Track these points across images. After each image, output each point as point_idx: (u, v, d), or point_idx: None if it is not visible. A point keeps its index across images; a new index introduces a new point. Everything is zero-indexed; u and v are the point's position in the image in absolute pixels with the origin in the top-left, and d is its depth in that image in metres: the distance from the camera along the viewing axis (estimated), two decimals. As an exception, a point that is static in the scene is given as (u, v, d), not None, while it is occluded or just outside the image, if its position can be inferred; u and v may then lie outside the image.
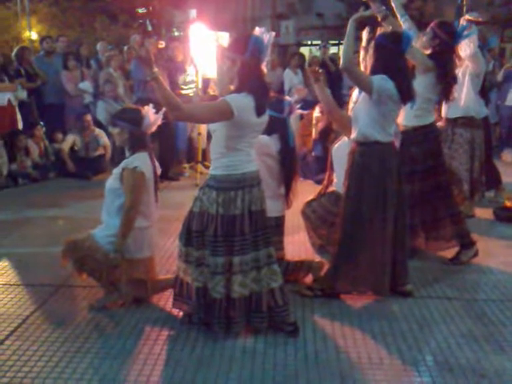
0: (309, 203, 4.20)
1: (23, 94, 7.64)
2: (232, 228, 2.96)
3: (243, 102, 2.87)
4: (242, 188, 2.96)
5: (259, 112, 2.93)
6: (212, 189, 2.98)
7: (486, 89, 6.22)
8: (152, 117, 3.43)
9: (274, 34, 2.97)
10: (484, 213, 5.38)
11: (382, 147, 3.44)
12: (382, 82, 3.30)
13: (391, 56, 3.36)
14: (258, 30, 2.95)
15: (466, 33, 4.22)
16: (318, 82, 3.64)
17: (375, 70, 3.39)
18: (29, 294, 3.68)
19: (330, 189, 4.18)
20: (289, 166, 3.56)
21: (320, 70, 3.66)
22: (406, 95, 3.38)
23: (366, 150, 3.45)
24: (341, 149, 3.85)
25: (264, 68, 2.99)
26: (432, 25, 4.16)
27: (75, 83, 8.00)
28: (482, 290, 3.73)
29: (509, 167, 7.26)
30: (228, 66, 2.99)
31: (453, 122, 5.10)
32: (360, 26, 3.51)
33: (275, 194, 3.57)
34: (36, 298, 3.60)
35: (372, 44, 3.52)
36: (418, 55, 3.96)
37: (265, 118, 3.04)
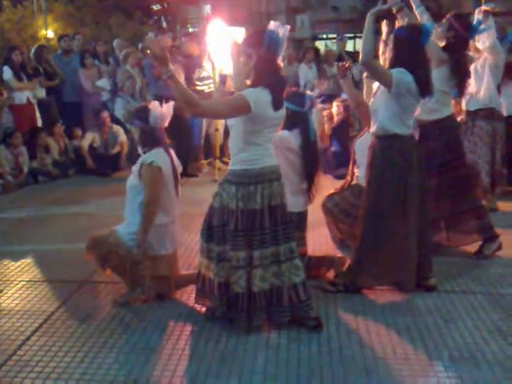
0: (330, 197, 4.18)
1: (42, 93, 7.73)
2: (252, 222, 2.96)
3: (260, 96, 2.87)
4: (261, 182, 2.96)
5: (276, 106, 2.93)
6: (231, 184, 2.99)
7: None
8: (159, 111, 3.42)
9: (289, 27, 2.96)
10: (507, 206, 5.32)
11: (402, 140, 3.42)
12: (401, 75, 3.28)
13: (411, 49, 3.34)
14: (272, 24, 2.94)
15: (482, 27, 4.18)
16: (346, 78, 3.63)
17: (395, 63, 3.36)
18: (53, 291, 3.72)
19: (353, 182, 4.15)
20: (310, 161, 3.55)
21: (347, 65, 3.64)
22: (424, 88, 3.35)
23: (385, 144, 3.44)
24: (364, 142, 3.83)
25: (280, 62, 2.98)
26: (448, 16, 4.13)
27: (92, 81, 8.06)
28: (508, 284, 3.69)
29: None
30: (244, 61, 2.99)
31: (473, 114, 5.06)
32: (378, 20, 3.48)
33: (298, 189, 3.57)
34: (60, 294, 3.63)
35: (391, 37, 3.50)
36: (432, 47, 3.91)
37: (282, 112, 3.03)
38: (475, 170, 4.94)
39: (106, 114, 7.62)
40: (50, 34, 19.85)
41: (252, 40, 2.99)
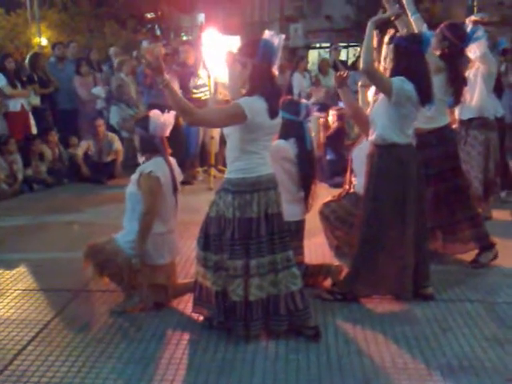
0: (327, 204, 4.17)
1: (36, 100, 7.71)
2: (248, 231, 2.96)
3: (256, 105, 2.88)
4: (257, 191, 2.97)
5: (272, 114, 2.94)
6: (228, 192, 2.99)
7: (501, 89, 6.21)
8: (159, 120, 3.42)
9: (283, 36, 2.98)
10: (500, 214, 5.35)
11: (401, 149, 3.43)
12: (402, 83, 3.30)
13: (412, 58, 3.37)
14: (267, 33, 2.96)
15: (475, 36, 4.22)
16: (343, 87, 3.65)
17: (396, 72, 3.38)
18: (49, 300, 3.69)
19: (351, 190, 4.15)
20: (307, 170, 3.55)
21: (345, 74, 3.66)
22: (425, 97, 3.38)
23: (384, 153, 3.45)
24: (362, 151, 3.84)
25: (275, 71, 3.00)
26: (441, 26, 4.16)
27: (88, 88, 8.05)
28: (504, 293, 3.70)
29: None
30: (239, 70, 3.00)
31: (467, 123, 5.08)
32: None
33: (295, 198, 3.57)
34: (56, 304, 3.61)
35: (390, 47, 3.52)
36: (429, 56, 3.93)
37: (278, 121, 3.05)
38: (468, 180, 4.96)
39: (100, 122, 7.62)
40: (44, 41, 19.80)
41: (247, 49, 3.01)
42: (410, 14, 4.22)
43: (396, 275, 3.47)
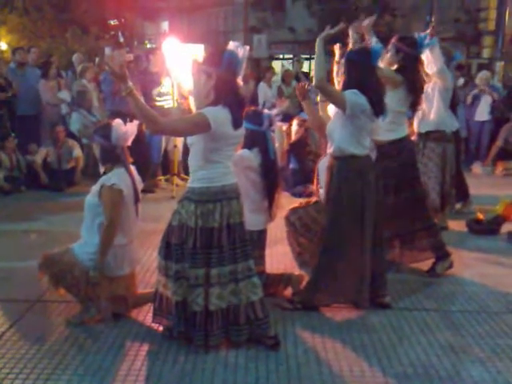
0: (294, 210, 4.19)
1: (-7, 106, 7.51)
2: (210, 240, 2.97)
3: (219, 115, 2.90)
4: (220, 201, 2.98)
5: (236, 124, 2.96)
6: (191, 202, 2.99)
7: (456, 104, 6.39)
8: (122, 129, 3.38)
9: (248, 48, 3.02)
10: (456, 225, 5.48)
11: (359, 160, 3.50)
12: (355, 96, 3.37)
13: (362, 70, 3.44)
14: (232, 44, 2.99)
15: (426, 41, 4.32)
16: (306, 99, 3.69)
17: (347, 86, 3.45)
18: (3, 310, 3.59)
19: (317, 199, 4.19)
20: (271, 179, 3.58)
21: (306, 85, 3.70)
22: (378, 108, 3.46)
23: (342, 164, 3.51)
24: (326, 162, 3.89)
25: (240, 81, 3.03)
26: (392, 41, 4.25)
27: (53, 92, 7.91)
28: (459, 302, 3.80)
29: (478, 180, 7.43)
30: (204, 80, 3.01)
31: (425, 136, 5.20)
32: (331, 42, 3.57)
33: (259, 207, 3.58)
34: (11, 314, 3.51)
35: (342, 60, 3.60)
36: (386, 72, 4.02)
37: (242, 131, 3.07)
38: (426, 191, 5.08)
39: (60, 128, 7.48)
40: (4, 46, 19.36)
41: (212, 59, 3.02)
42: (369, 39, 4.30)
43: (354, 284, 3.53)
